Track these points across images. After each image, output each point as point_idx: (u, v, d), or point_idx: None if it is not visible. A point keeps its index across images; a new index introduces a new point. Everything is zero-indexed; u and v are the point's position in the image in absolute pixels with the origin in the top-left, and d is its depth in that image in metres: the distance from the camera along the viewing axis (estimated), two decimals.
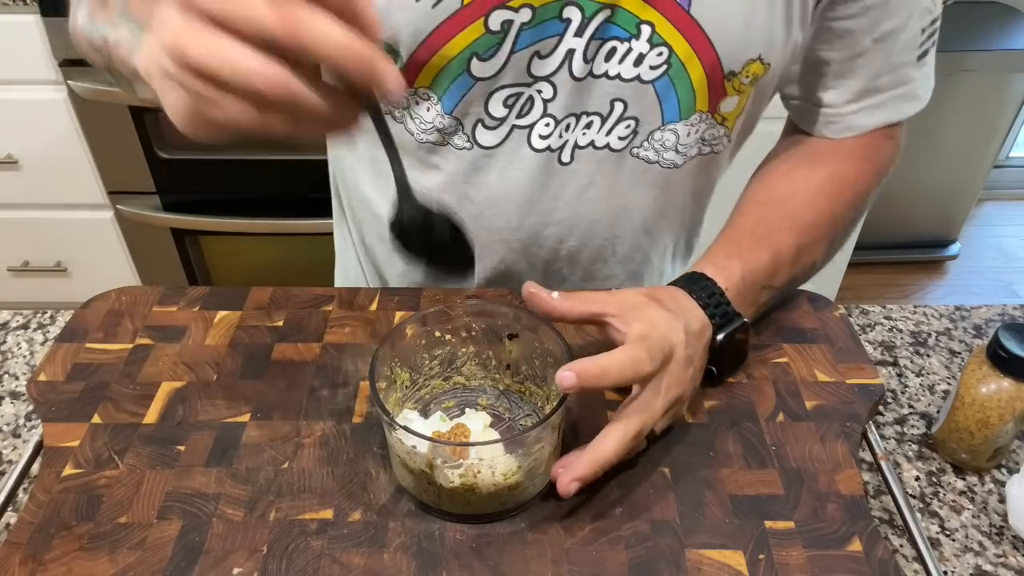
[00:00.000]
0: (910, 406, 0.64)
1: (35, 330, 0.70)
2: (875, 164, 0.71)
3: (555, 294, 0.54)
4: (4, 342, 0.69)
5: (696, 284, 0.59)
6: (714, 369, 0.60)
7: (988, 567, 0.52)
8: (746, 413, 0.60)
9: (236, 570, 0.49)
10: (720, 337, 0.58)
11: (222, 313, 0.67)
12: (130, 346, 0.64)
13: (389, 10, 0.58)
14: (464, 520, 0.52)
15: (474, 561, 0.49)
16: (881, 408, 0.64)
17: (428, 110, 0.65)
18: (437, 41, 0.60)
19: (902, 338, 0.71)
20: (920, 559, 0.50)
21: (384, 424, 0.51)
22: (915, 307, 0.74)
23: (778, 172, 0.71)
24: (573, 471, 0.50)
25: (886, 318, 0.73)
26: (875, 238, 2.10)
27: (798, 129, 0.75)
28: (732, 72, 0.63)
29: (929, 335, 0.71)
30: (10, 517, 0.53)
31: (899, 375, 0.67)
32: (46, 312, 0.72)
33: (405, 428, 0.48)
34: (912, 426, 0.62)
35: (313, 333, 0.66)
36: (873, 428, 0.59)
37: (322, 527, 0.51)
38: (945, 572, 0.52)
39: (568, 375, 0.47)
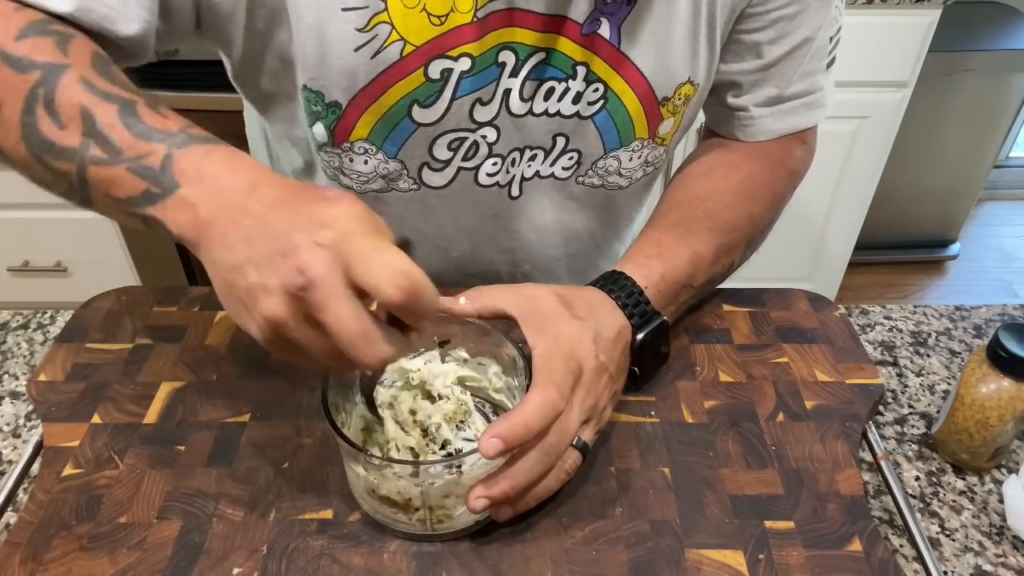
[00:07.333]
0: (910, 406, 0.64)
1: (35, 330, 0.70)
2: (789, 166, 0.73)
3: (462, 299, 0.55)
4: (4, 342, 0.69)
5: (615, 284, 0.59)
6: (636, 370, 0.59)
7: (988, 567, 0.52)
8: (746, 413, 0.60)
9: (236, 570, 0.49)
10: (640, 336, 0.57)
11: (222, 313, 0.67)
12: (130, 346, 0.64)
13: (327, 58, 0.58)
14: (455, 537, 0.51)
15: (474, 561, 0.49)
16: (881, 408, 0.64)
17: (366, 162, 0.65)
18: (376, 89, 0.60)
19: (902, 338, 0.71)
20: (920, 559, 0.50)
21: (360, 462, 0.48)
22: (915, 307, 0.74)
23: (697, 173, 0.72)
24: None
25: (886, 318, 0.73)
26: (875, 238, 2.10)
27: (715, 132, 0.76)
28: (666, 98, 0.65)
29: (929, 335, 0.71)
30: (10, 517, 0.53)
31: (899, 375, 0.67)
32: (46, 312, 0.72)
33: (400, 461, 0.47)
34: (912, 426, 0.62)
35: None
36: (873, 428, 0.59)
37: (322, 527, 0.51)
38: (945, 572, 0.52)
39: (494, 442, 0.45)
